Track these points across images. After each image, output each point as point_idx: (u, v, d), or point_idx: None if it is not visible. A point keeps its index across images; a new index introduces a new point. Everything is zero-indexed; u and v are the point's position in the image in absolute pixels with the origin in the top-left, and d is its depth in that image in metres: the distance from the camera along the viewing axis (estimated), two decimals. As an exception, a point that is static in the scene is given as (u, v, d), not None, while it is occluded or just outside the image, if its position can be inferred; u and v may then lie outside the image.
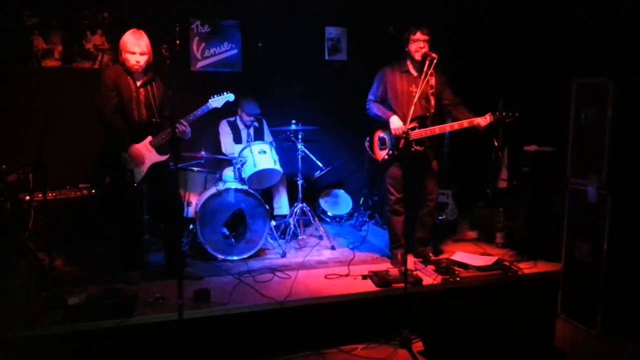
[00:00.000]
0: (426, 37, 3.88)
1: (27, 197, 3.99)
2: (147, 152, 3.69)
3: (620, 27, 3.99)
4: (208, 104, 3.82)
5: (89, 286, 3.52)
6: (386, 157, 4.07)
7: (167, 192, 3.79)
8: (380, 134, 4.12)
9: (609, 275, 3.47)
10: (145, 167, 3.68)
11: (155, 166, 3.72)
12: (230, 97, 3.91)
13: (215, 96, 3.87)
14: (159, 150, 3.74)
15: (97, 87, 3.61)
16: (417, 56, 3.89)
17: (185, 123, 3.69)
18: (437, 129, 3.90)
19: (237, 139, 5.03)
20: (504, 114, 3.79)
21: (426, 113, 3.96)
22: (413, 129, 3.90)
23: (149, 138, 3.70)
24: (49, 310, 3.09)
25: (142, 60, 3.59)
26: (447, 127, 3.91)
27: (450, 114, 4.04)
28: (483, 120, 3.80)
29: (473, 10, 5.45)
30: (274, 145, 4.74)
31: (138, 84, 3.67)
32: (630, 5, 3.92)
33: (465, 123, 3.86)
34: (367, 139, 4.20)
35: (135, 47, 3.56)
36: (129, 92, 3.63)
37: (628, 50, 3.93)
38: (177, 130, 3.62)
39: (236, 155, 4.57)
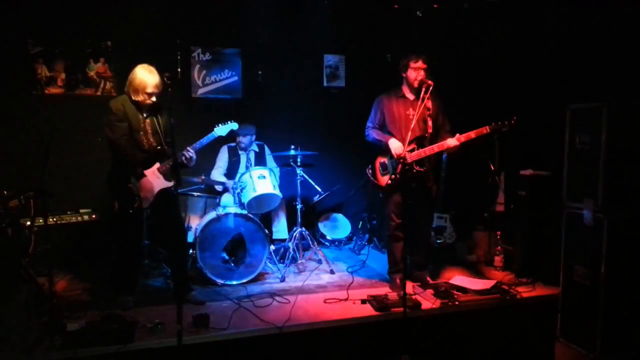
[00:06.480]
0: (425, 65, 3.99)
1: (28, 223, 4.02)
2: (155, 178, 3.74)
3: (614, 53, 4.09)
4: (213, 132, 3.95)
5: (89, 312, 3.51)
6: (389, 181, 4.09)
7: (172, 218, 3.84)
8: (380, 159, 4.17)
9: (608, 298, 3.46)
10: (154, 194, 3.74)
11: (162, 192, 3.77)
12: (234, 125, 4.10)
13: (220, 125, 4.03)
14: (166, 176, 3.80)
15: (107, 120, 3.64)
16: (415, 83, 3.98)
17: (191, 150, 3.76)
18: (435, 147, 3.99)
19: (236, 164, 5.08)
20: (499, 123, 3.92)
21: (424, 134, 4.03)
22: (412, 150, 3.96)
23: (157, 165, 3.76)
24: (49, 336, 3.08)
25: (156, 96, 3.69)
26: (435, 147, 4.00)
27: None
28: (452, 142, 3.93)
29: (469, 37, 5.56)
30: (277, 171, 4.79)
31: (145, 114, 3.73)
32: (623, 32, 4.02)
33: (435, 148, 3.99)
34: (369, 166, 4.23)
35: (154, 88, 3.63)
36: (137, 122, 3.68)
37: (621, 76, 4.01)
38: (183, 158, 3.71)
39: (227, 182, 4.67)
